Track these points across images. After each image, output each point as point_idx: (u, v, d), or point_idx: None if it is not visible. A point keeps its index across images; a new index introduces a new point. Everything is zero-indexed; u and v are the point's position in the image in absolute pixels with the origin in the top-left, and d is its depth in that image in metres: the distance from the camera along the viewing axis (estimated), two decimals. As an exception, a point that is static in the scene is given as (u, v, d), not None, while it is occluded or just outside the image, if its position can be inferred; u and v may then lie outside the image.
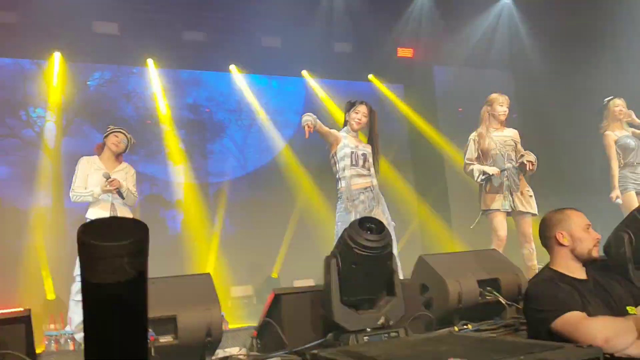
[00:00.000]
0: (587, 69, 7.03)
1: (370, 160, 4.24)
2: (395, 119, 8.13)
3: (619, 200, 5.35)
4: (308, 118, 4.03)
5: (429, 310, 2.84)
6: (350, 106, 4.29)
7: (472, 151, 4.62)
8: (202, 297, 2.42)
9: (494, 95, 4.77)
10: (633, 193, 5.36)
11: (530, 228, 4.46)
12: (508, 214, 4.50)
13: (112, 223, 1.12)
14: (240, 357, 2.47)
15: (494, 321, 2.77)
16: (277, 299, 2.55)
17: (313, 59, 7.21)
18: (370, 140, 4.32)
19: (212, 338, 2.34)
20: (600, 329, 2.01)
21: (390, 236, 2.30)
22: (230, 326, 4.27)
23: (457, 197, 7.86)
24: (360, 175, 4.16)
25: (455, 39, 7.29)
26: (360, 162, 4.18)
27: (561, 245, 2.32)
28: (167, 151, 7.18)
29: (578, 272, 2.31)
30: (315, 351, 1.95)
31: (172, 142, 7.20)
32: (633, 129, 5.56)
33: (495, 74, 8.17)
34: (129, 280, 1.10)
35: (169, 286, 2.42)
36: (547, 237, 2.38)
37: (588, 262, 2.32)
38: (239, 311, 6.31)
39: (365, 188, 4.15)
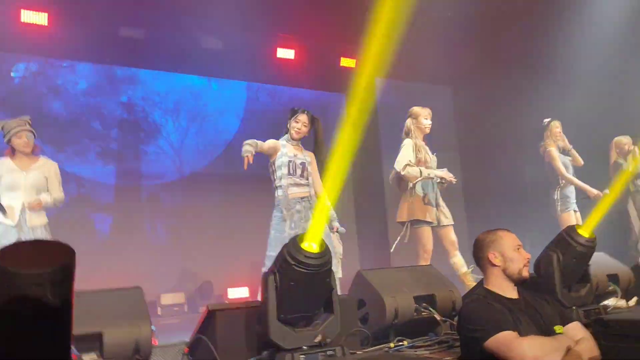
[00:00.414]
0: (524, 91, 7.36)
1: (309, 169, 4.21)
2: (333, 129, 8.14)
3: (606, 191, 5.42)
4: (249, 149, 3.96)
5: (365, 325, 2.84)
6: (291, 114, 4.27)
7: (411, 154, 4.68)
8: (131, 312, 2.30)
9: (417, 109, 4.89)
10: (572, 212, 5.60)
11: (454, 235, 4.61)
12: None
13: (34, 247, 1.02)
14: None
15: (429, 337, 2.80)
16: (211, 314, 2.47)
17: (255, 62, 7.11)
18: (316, 149, 4.30)
19: (140, 355, 2.23)
20: (530, 348, 2.07)
21: (330, 253, 2.27)
22: (160, 336, 4.11)
23: (393, 208, 7.99)
24: (297, 185, 4.13)
25: (399, 52, 7.40)
26: (299, 172, 4.16)
27: (493, 265, 2.39)
28: (97, 151, 6.85)
29: (510, 291, 2.38)
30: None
31: (103, 142, 6.88)
32: (568, 157, 5.85)
33: (436, 90, 8.38)
34: (52, 308, 1.01)
35: (95, 300, 2.28)
36: (479, 257, 2.45)
37: (519, 282, 2.39)
38: (169, 319, 6.10)
39: (303, 197, 4.13)
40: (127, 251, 6.38)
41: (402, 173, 4.65)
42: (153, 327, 2.50)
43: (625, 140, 6.07)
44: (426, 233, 4.59)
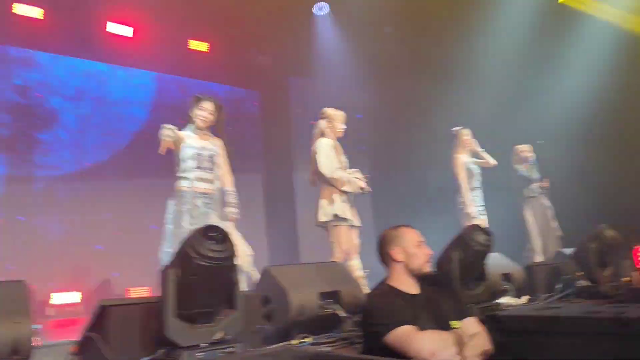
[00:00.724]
0: (434, 94, 7.64)
1: (218, 160, 4.08)
2: (250, 125, 8.04)
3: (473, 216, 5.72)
4: (170, 133, 3.75)
5: (270, 322, 2.78)
6: (195, 102, 4.08)
7: (334, 156, 4.65)
8: (10, 309, 2.08)
9: (331, 111, 4.86)
10: (476, 218, 5.89)
11: (358, 239, 4.67)
12: None
13: None
14: (53, 377, 2.17)
15: (332, 334, 2.79)
16: (103, 311, 2.29)
17: (166, 53, 6.84)
18: (223, 138, 4.19)
19: (19, 356, 2.02)
20: (427, 342, 2.13)
21: (234, 247, 2.19)
22: (50, 338, 3.81)
23: (305, 209, 8.01)
24: (203, 180, 3.97)
25: (314, 50, 7.44)
26: (207, 165, 4.00)
27: (396, 261, 2.43)
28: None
29: (411, 287, 2.43)
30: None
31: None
32: (474, 160, 6.15)
33: (342, 91, 8.50)
34: None
35: (-32, 296, 2.05)
36: (383, 253, 2.49)
37: (420, 277, 2.44)
38: (63, 320, 5.70)
39: (206, 194, 3.98)
40: (17, 246, 5.89)
41: (334, 177, 4.58)
42: (36, 326, 2.30)
43: (522, 148, 6.54)
44: (344, 232, 4.56)
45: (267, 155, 8.10)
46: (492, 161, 6.11)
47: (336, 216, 4.52)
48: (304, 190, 7.85)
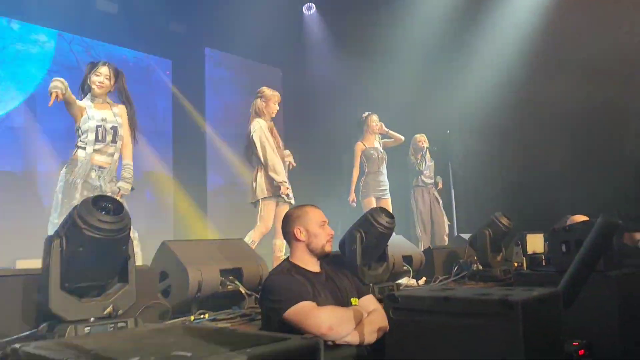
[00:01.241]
0: (355, 79, 7.71)
1: (121, 132, 3.90)
2: (161, 94, 7.70)
3: (354, 204, 6.08)
4: (58, 84, 3.52)
5: (167, 298, 2.69)
6: (90, 68, 3.89)
7: (269, 137, 4.74)
8: None
9: (268, 92, 4.89)
10: (372, 199, 6.16)
11: None
12: None
13: None
14: None
15: (232, 310, 2.76)
16: (-22, 282, 2.11)
17: (70, 12, 6.33)
18: (126, 106, 3.99)
19: None
20: (326, 317, 2.15)
21: (129, 218, 2.07)
22: None
23: (215, 184, 7.86)
24: (102, 153, 3.83)
25: (233, 24, 7.23)
26: (109, 138, 3.84)
27: (298, 240, 2.44)
28: None
29: (312, 265, 2.46)
30: (16, 345, 1.63)
31: None
32: (385, 140, 6.38)
33: (263, 67, 8.39)
34: None
35: None
36: (286, 232, 2.52)
37: (321, 256, 2.47)
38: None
39: (101, 167, 3.84)
40: None
41: (267, 161, 4.67)
42: None
43: (419, 137, 6.85)
44: (270, 207, 4.63)
45: (177, 125, 7.79)
46: (399, 137, 6.43)
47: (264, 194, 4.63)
48: (216, 165, 7.72)
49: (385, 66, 7.47)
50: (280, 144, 4.90)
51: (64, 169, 3.79)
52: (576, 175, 6.30)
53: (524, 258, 4.29)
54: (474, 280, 4.10)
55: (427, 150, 6.77)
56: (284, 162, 4.85)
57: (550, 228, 3.94)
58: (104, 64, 3.91)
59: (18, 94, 6.47)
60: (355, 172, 6.28)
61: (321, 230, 2.46)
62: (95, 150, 3.79)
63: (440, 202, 6.81)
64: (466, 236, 4.89)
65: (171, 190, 7.50)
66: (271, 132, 4.82)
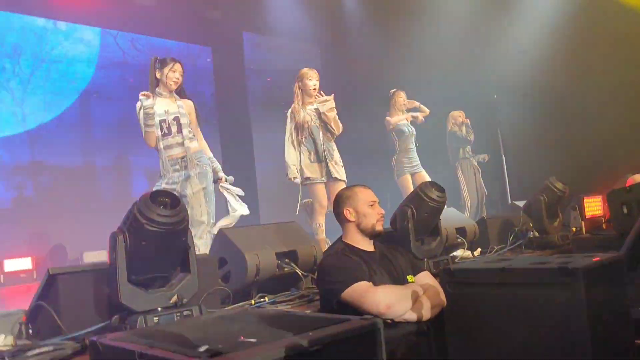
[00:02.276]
0: (382, 58, 7.62)
1: (185, 121, 3.97)
2: (205, 82, 7.83)
3: (398, 181, 6.16)
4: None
5: (227, 284, 2.78)
6: (161, 63, 3.96)
7: (289, 128, 4.76)
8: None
9: (304, 70, 4.90)
10: (408, 176, 6.17)
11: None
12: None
13: None
14: (3, 348, 2.11)
15: (290, 292, 2.82)
16: (52, 279, 2.23)
17: (110, 7, 6.48)
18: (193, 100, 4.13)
19: (-34, 328, 1.96)
20: (383, 296, 2.17)
21: (186, 211, 2.14)
22: (2, 305, 3.72)
23: (264, 168, 7.95)
24: (171, 147, 3.93)
25: (267, 5, 7.23)
26: (174, 129, 3.92)
27: (348, 220, 2.46)
28: None
29: (366, 244, 2.48)
30: (94, 338, 1.73)
31: None
32: (412, 114, 6.34)
33: (303, 47, 8.37)
34: None
35: None
36: (337, 213, 2.55)
37: (373, 236, 2.48)
38: (15, 287, 5.56)
39: (181, 158, 3.94)
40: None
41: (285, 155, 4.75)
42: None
43: (458, 113, 6.90)
44: (319, 189, 4.66)
45: (222, 112, 7.91)
46: (425, 110, 6.43)
47: (308, 177, 4.66)
48: (263, 152, 7.80)
49: (424, 36, 7.33)
50: (310, 119, 4.81)
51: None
52: (633, 132, 6.03)
53: (582, 222, 4.18)
54: (530, 248, 4.03)
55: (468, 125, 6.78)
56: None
57: (608, 189, 3.81)
58: (177, 60, 4.01)
59: (71, 92, 6.71)
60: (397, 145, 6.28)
61: (370, 210, 2.46)
62: (165, 147, 3.91)
63: (480, 172, 6.87)
64: (520, 204, 4.80)
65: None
66: (296, 113, 4.78)
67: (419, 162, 6.26)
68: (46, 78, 6.63)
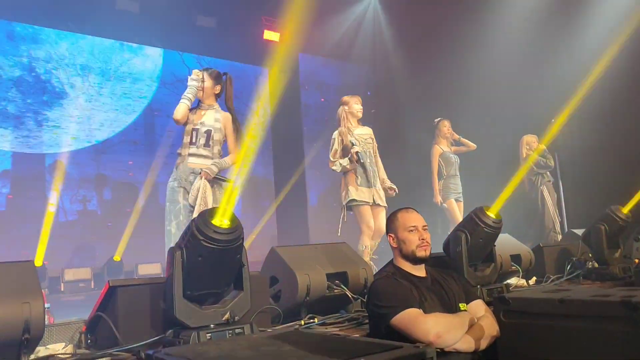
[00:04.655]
0: (440, 72, 7.57)
1: (216, 137, 3.94)
2: (258, 101, 8.00)
3: (445, 205, 6.19)
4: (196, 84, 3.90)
5: (277, 303, 2.80)
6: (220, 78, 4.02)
7: (335, 149, 4.86)
8: (20, 289, 2.11)
9: (347, 97, 5.04)
10: (453, 201, 6.23)
11: (382, 221, 4.70)
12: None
13: None
14: (63, 356, 2.20)
15: (340, 314, 2.81)
16: (112, 291, 2.32)
17: (173, 29, 6.76)
18: (232, 113, 4.06)
19: (30, 335, 2.05)
20: (433, 325, 2.11)
21: (241, 229, 2.19)
22: (61, 313, 3.86)
23: (314, 184, 8.01)
24: (197, 155, 3.87)
25: (323, 28, 7.36)
26: (202, 141, 3.88)
27: (392, 246, 2.45)
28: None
29: (416, 269, 2.42)
30: (150, 351, 1.78)
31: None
32: (455, 147, 6.41)
33: (356, 68, 8.43)
34: None
35: (-22, 276, 2.07)
36: (386, 237, 2.52)
37: (415, 261, 2.41)
38: (73, 296, 5.79)
39: (200, 170, 3.85)
40: (29, 223, 5.95)
41: (332, 168, 4.88)
42: (47, 305, 2.33)
43: (532, 138, 6.75)
44: (365, 211, 4.71)
45: (276, 131, 8.05)
46: (472, 145, 6.46)
47: (354, 199, 4.72)
48: (314, 176, 7.86)
49: (473, 62, 7.27)
50: (358, 142, 4.88)
51: (170, 178, 3.92)
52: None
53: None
54: (589, 279, 3.86)
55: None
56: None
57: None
58: (205, 69, 4.02)
59: (135, 108, 7.02)
60: (435, 174, 6.33)
61: (410, 236, 2.39)
62: (189, 154, 3.86)
63: (555, 196, 6.70)
64: (579, 232, 4.62)
65: (272, 194, 7.77)
66: (343, 136, 4.87)
67: (461, 191, 6.34)
68: (111, 95, 6.98)
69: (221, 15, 7.12)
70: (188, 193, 3.77)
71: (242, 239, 2.21)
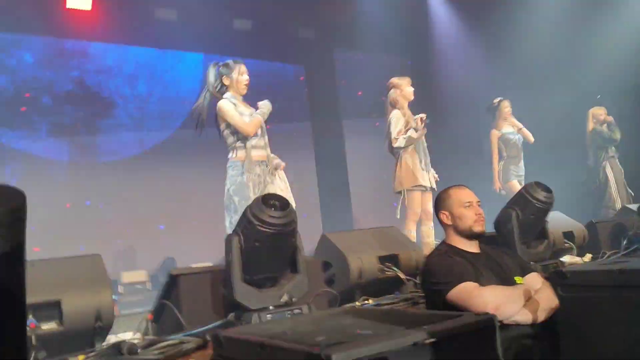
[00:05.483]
0: (482, 63, 7.49)
1: (264, 127, 3.99)
2: (299, 100, 8.11)
3: (503, 192, 6.03)
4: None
5: (332, 286, 2.85)
6: (229, 68, 3.95)
7: (400, 129, 4.76)
8: (91, 280, 2.23)
9: (396, 80, 4.94)
10: (515, 182, 6.02)
11: (431, 205, 4.69)
12: None
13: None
14: (134, 341, 2.31)
15: (395, 295, 2.84)
16: (174, 279, 2.42)
17: (210, 34, 6.92)
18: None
19: (102, 323, 2.17)
20: (491, 297, 2.12)
21: (294, 213, 2.25)
22: (123, 312, 4.03)
23: (356, 177, 8.05)
24: (256, 147, 3.88)
25: (357, 22, 7.37)
26: (259, 132, 3.90)
27: (445, 223, 2.44)
28: (48, 127, 6.59)
29: (470, 246, 2.43)
30: (217, 332, 1.86)
31: (55, 117, 6.61)
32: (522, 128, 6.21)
33: (392, 60, 8.42)
34: (3, 254, 0.95)
35: (51, 269, 2.20)
36: (436, 216, 2.53)
37: (473, 237, 2.42)
38: (132, 297, 6.00)
39: (262, 161, 3.90)
40: (85, 229, 6.20)
41: (395, 146, 4.76)
42: (115, 296, 2.45)
43: (600, 110, 6.58)
44: (416, 197, 4.70)
45: (316, 128, 8.13)
46: (531, 138, 6.21)
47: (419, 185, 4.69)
48: (356, 162, 7.90)
49: (515, 45, 7.15)
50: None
51: (229, 172, 3.88)
52: None
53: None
54: (647, 253, 3.75)
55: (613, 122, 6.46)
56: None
57: None
58: (241, 62, 4.00)
59: (178, 115, 7.23)
60: (495, 159, 6.21)
61: (466, 211, 2.40)
62: (253, 147, 3.85)
63: (623, 173, 6.50)
64: (633, 206, 4.49)
65: (315, 188, 7.85)
66: (406, 120, 4.82)
67: (524, 173, 6.16)
68: (158, 103, 7.22)
69: (257, 17, 7.23)
70: (256, 187, 3.79)
71: (296, 222, 2.27)
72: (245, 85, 3.95)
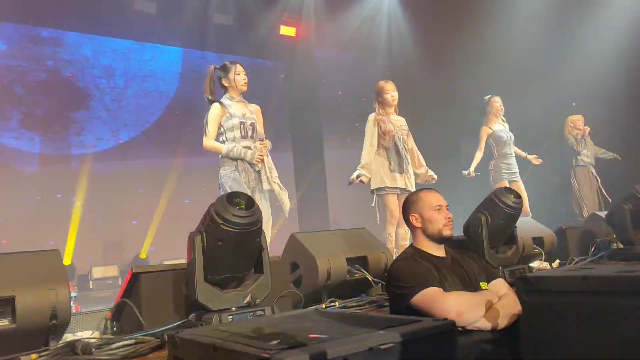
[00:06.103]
0: (458, 60, 7.51)
1: (257, 128, 4.06)
2: (277, 96, 8.06)
3: (468, 176, 6.04)
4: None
5: (299, 288, 2.82)
6: (226, 69, 4.04)
7: (372, 134, 4.76)
8: (47, 276, 2.17)
9: (382, 83, 4.92)
10: (506, 182, 6.01)
11: None
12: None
13: None
14: (91, 340, 2.25)
15: (360, 298, 2.82)
16: (135, 278, 2.36)
17: (190, 28, 6.84)
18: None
19: (57, 321, 2.11)
20: (454, 303, 2.10)
21: (259, 212, 2.21)
22: (91, 308, 3.95)
23: (334, 177, 8.04)
24: (248, 148, 3.95)
25: (338, 22, 7.37)
26: (250, 133, 3.98)
27: (415, 226, 2.43)
28: (19, 117, 6.44)
29: (436, 250, 2.42)
30: (173, 333, 1.82)
31: (27, 108, 6.47)
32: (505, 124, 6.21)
33: (372, 60, 8.41)
34: None
35: (7, 264, 2.13)
36: (405, 219, 2.52)
37: (441, 241, 2.42)
38: (101, 293, 5.91)
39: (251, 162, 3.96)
40: (56, 223, 6.09)
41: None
42: (74, 294, 2.39)
43: (575, 118, 6.60)
44: (390, 199, 4.67)
45: (295, 125, 8.10)
46: (522, 153, 6.33)
47: (385, 187, 4.66)
48: (334, 162, 7.89)
49: (497, 46, 7.20)
50: (394, 127, 4.83)
51: (222, 171, 3.92)
52: None
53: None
54: (614, 260, 3.78)
55: (587, 133, 6.48)
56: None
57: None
58: (236, 62, 4.07)
59: (154, 110, 7.14)
60: (478, 154, 6.12)
61: (436, 215, 2.40)
62: (243, 147, 3.92)
63: (599, 181, 6.50)
64: (602, 214, 4.54)
65: (292, 185, 7.81)
66: (382, 122, 4.79)
67: (517, 170, 6.14)
68: (133, 96, 7.11)
69: (238, 12, 7.16)
70: (249, 184, 3.86)
71: (260, 222, 2.24)
72: (244, 83, 4.04)
